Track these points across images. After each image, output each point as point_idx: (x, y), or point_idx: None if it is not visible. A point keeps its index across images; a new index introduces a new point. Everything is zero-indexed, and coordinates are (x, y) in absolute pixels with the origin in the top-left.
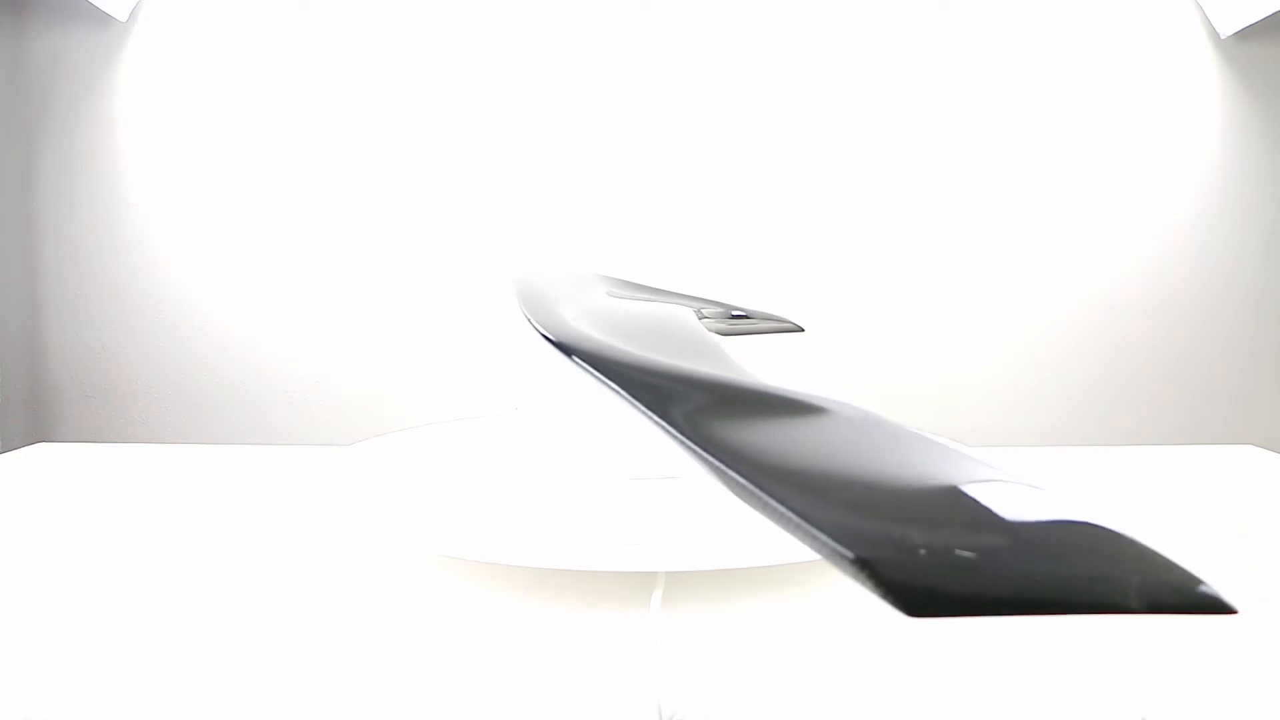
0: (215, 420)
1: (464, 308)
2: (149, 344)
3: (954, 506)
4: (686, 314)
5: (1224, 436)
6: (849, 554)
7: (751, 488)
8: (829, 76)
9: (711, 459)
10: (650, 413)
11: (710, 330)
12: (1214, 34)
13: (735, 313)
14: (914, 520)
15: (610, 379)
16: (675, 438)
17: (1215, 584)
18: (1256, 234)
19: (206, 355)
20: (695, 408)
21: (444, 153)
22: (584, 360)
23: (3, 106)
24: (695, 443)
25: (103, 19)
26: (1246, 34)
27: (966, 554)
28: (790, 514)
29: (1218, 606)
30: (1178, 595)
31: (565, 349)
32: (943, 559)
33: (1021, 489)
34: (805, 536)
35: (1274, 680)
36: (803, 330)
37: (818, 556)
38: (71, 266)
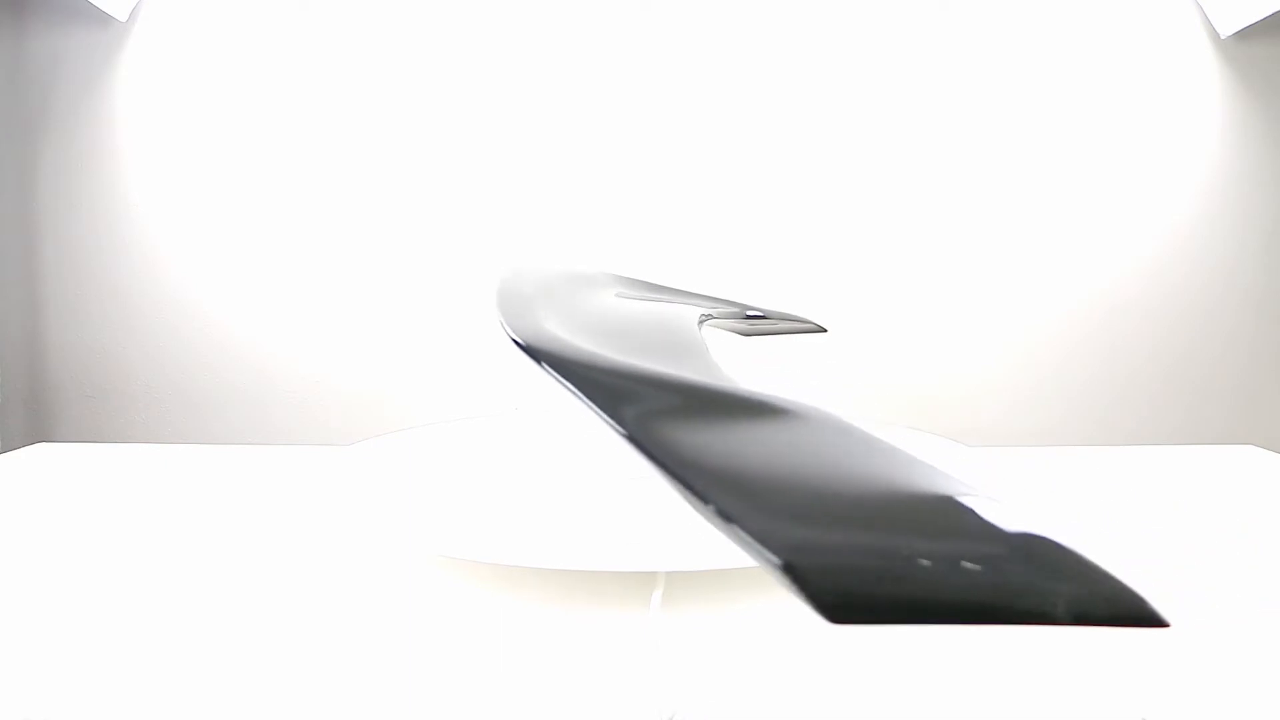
0: (215, 420)
1: (464, 308)
2: (149, 344)
3: (889, 514)
4: (685, 316)
5: (1224, 436)
6: (776, 560)
7: (689, 491)
8: (831, 78)
9: (656, 459)
10: (602, 412)
11: (731, 330)
12: (1214, 34)
13: (750, 312)
14: (843, 527)
15: (567, 378)
16: (624, 437)
17: (1151, 597)
18: (1256, 234)
19: (206, 355)
20: (649, 410)
21: (444, 153)
22: (545, 360)
23: (3, 106)
24: (642, 443)
25: (103, 19)
26: (1246, 34)
27: (890, 562)
28: (722, 518)
29: (1150, 620)
30: (1109, 607)
31: (526, 347)
32: (865, 566)
33: (967, 497)
34: (737, 540)
35: (1274, 680)
36: (825, 330)
37: None
38: (71, 266)
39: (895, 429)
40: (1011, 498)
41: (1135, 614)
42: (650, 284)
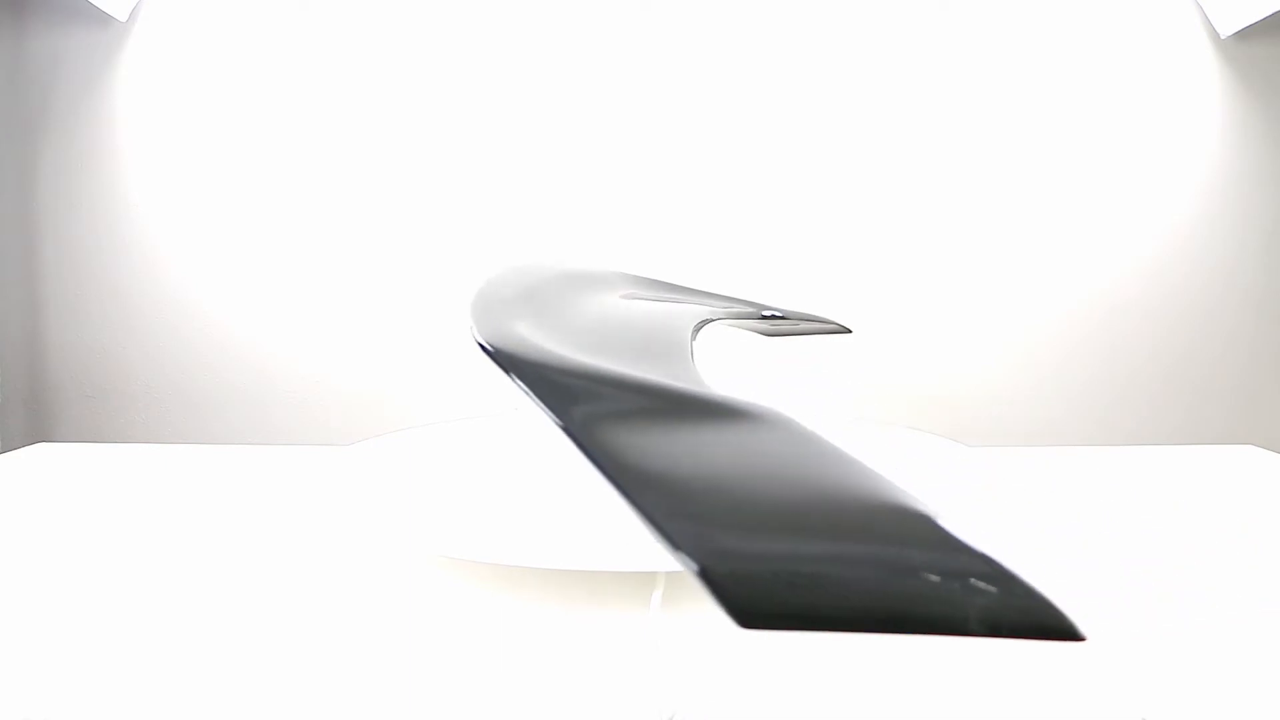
0: (215, 420)
1: (464, 308)
2: (149, 344)
3: (814, 521)
4: (678, 318)
5: (1224, 436)
6: (694, 566)
7: (620, 492)
8: (831, 79)
9: (594, 459)
10: (549, 410)
11: (753, 330)
12: (1214, 34)
13: (768, 312)
14: (764, 534)
15: (519, 375)
16: (569, 436)
17: (1069, 609)
18: (1256, 234)
19: (206, 355)
20: (596, 410)
21: (445, 153)
22: (501, 359)
23: (3, 106)
24: (582, 442)
25: (103, 19)
26: (1246, 34)
27: (802, 569)
28: (647, 521)
29: (1064, 633)
30: (1022, 619)
31: (486, 347)
32: (777, 574)
33: (901, 505)
34: (662, 543)
35: (1274, 680)
36: (849, 331)
37: None
38: (71, 266)
39: (895, 429)
40: (950, 505)
41: (1049, 626)
42: (666, 284)
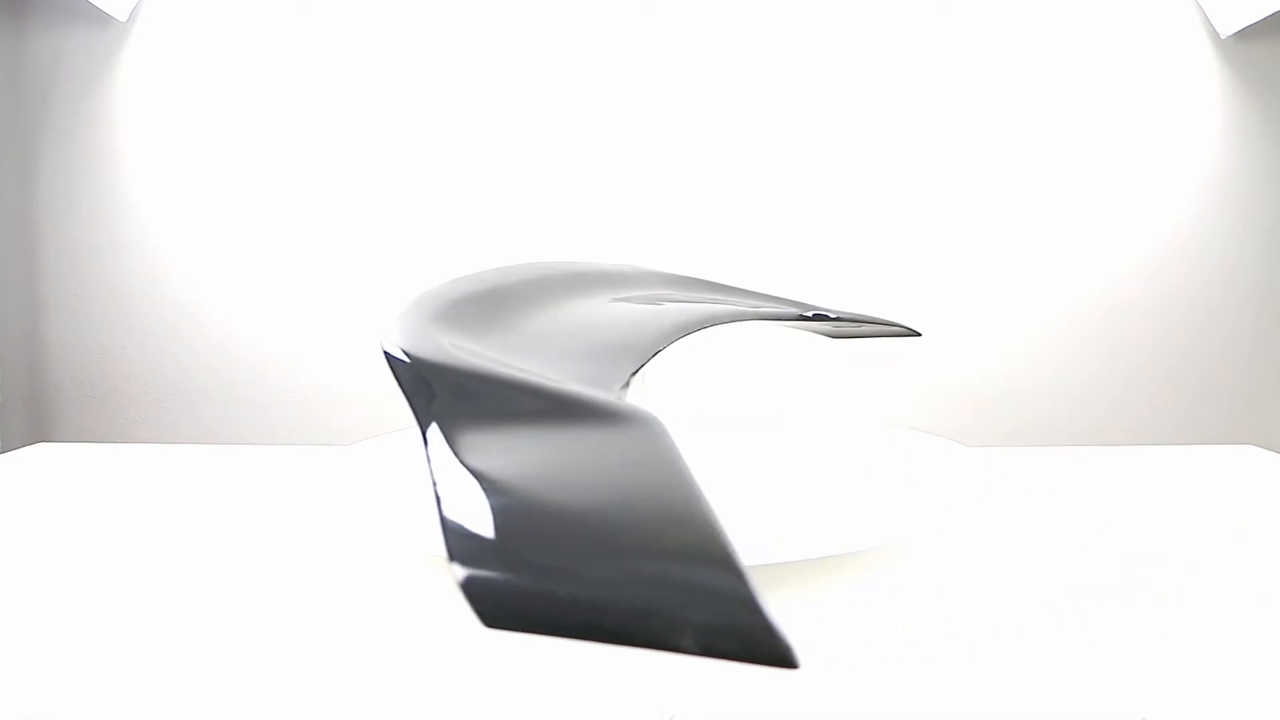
0: (215, 420)
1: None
2: (149, 344)
3: (582, 532)
4: (656, 319)
5: (1224, 436)
6: (453, 567)
7: (431, 486)
8: (829, 79)
9: (426, 448)
10: (408, 400)
11: (817, 333)
12: (1214, 34)
13: (809, 312)
14: (527, 542)
15: (390, 363)
16: (419, 427)
17: (788, 635)
18: (1256, 234)
19: (206, 355)
20: (454, 409)
21: (445, 153)
22: (388, 349)
23: (3, 106)
24: (424, 436)
25: (103, 19)
26: (1246, 34)
27: (542, 580)
28: (439, 516)
29: (778, 659)
30: (735, 642)
31: (388, 351)
32: (517, 584)
33: (672, 518)
34: (445, 541)
35: (1274, 680)
36: (919, 335)
37: (819, 554)
38: (71, 266)
39: (896, 429)
40: (718, 524)
41: (763, 651)
42: (708, 284)
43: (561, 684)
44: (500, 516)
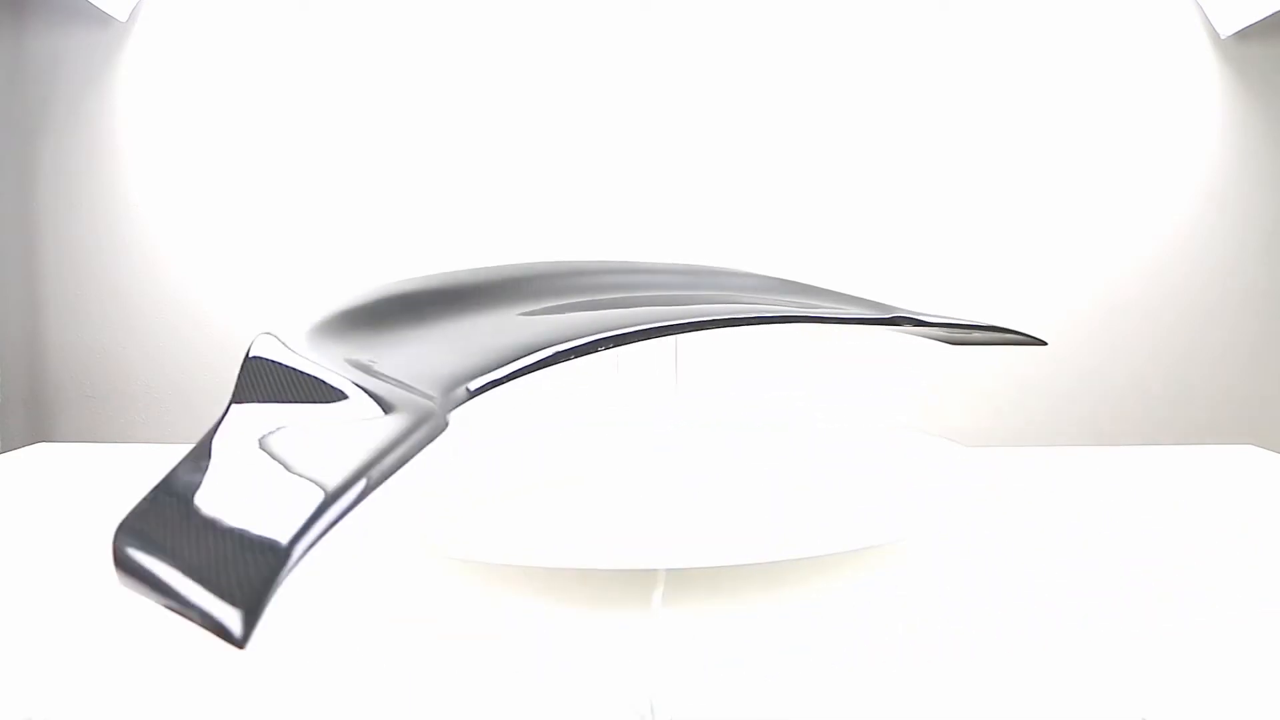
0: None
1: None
2: (149, 344)
3: (199, 520)
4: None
5: (1224, 436)
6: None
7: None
8: (828, 78)
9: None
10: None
11: (935, 339)
12: (1214, 34)
13: (889, 315)
14: (152, 528)
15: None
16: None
17: (226, 618)
18: (1256, 234)
19: (206, 355)
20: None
21: (445, 152)
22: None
23: (3, 106)
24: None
25: (103, 19)
26: (1246, 34)
27: (145, 549)
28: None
29: (228, 637)
30: (203, 621)
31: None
32: (129, 560)
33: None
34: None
35: (1274, 680)
36: (1045, 344)
37: (820, 552)
38: (71, 266)
39: (897, 429)
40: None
41: (217, 628)
42: (788, 283)
43: (562, 683)
44: (156, 492)
